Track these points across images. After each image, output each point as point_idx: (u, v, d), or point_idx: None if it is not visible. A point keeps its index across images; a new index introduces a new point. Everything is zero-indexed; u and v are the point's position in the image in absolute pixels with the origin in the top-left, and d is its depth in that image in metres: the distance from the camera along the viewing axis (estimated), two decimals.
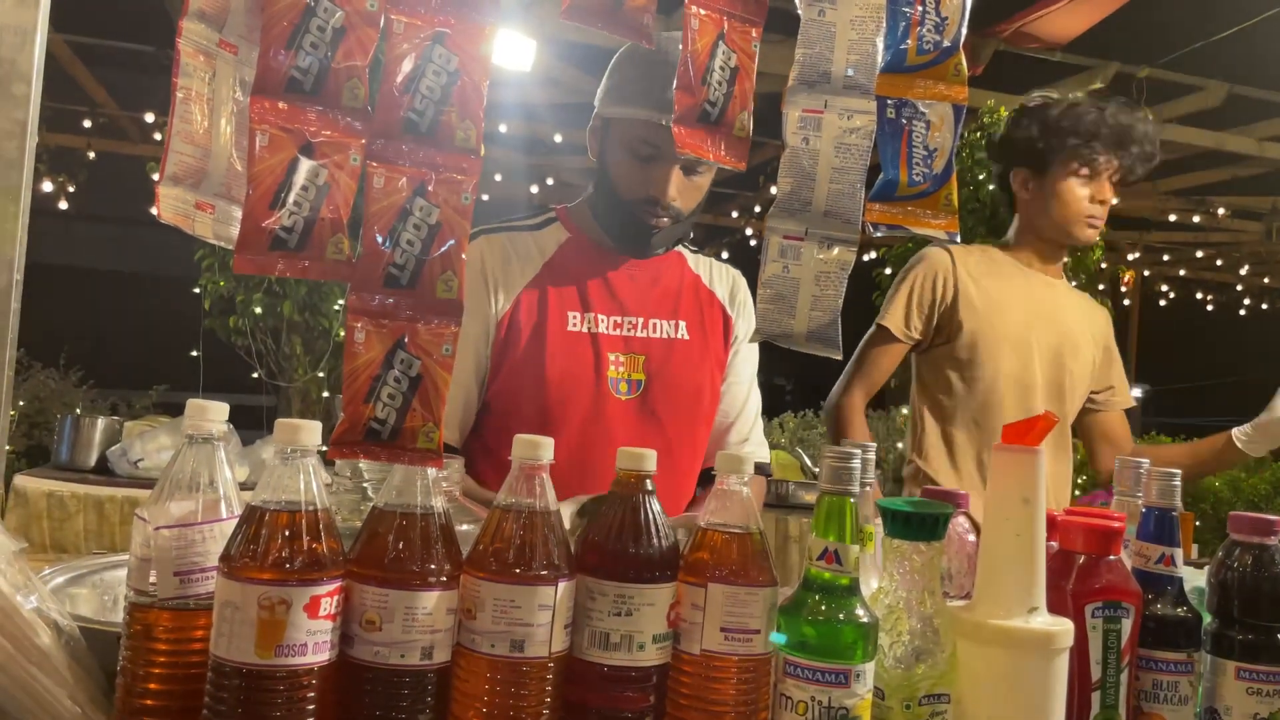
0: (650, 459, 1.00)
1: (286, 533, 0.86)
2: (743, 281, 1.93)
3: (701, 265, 1.89)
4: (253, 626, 0.84)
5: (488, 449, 1.72)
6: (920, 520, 1.06)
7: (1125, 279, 12.69)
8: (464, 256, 0.90)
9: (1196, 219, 10.17)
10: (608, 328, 1.73)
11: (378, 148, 0.88)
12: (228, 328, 4.99)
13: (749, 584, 0.98)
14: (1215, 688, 1.18)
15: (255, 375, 5.07)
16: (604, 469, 1.67)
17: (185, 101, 0.90)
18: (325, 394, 5.19)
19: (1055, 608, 1.10)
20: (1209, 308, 13.48)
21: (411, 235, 0.88)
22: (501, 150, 8.99)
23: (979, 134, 6.55)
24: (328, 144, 0.87)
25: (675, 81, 1.01)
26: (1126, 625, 1.13)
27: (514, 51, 5.07)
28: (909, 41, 1.04)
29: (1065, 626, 1.07)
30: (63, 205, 8.50)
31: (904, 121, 1.04)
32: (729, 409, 1.89)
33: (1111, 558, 1.14)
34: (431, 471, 0.93)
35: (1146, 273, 13.21)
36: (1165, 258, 12.71)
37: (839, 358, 1.09)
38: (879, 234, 1.06)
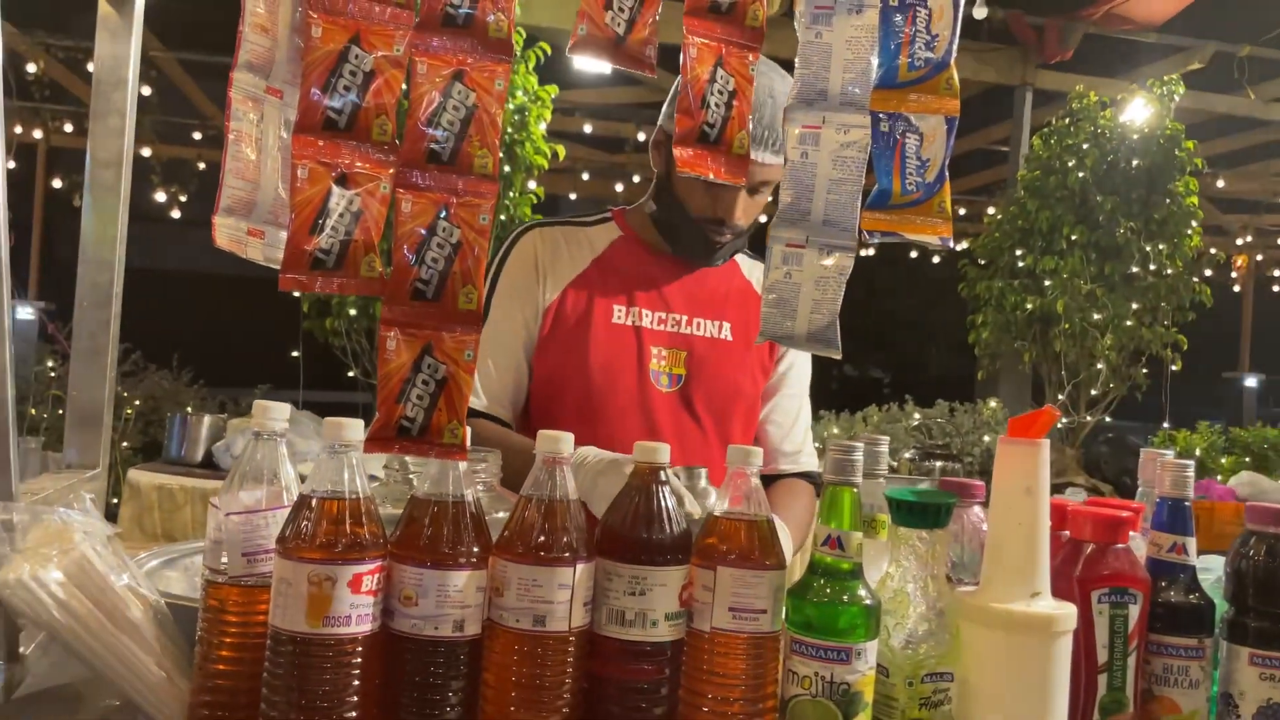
0: (663, 452, 1.09)
1: (332, 518, 0.97)
2: None
3: (756, 272, 1.95)
4: (303, 600, 0.95)
5: (533, 431, 1.84)
6: (923, 509, 1.12)
7: (1237, 263, 12.23)
8: (484, 270, 1.00)
9: None
10: (651, 322, 1.81)
11: (405, 176, 0.99)
12: (325, 329, 5.22)
13: (756, 567, 1.06)
14: (1230, 673, 1.21)
15: (351, 374, 5.31)
16: None
17: (236, 142, 1.02)
18: None
19: (1063, 594, 1.15)
20: None
21: (436, 253, 0.99)
22: (586, 150, 9.15)
23: (1067, 120, 6.43)
24: (360, 175, 0.98)
25: (676, 105, 1.09)
26: (1134, 611, 1.17)
27: None
28: (901, 59, 1.10)
29: (1067, 610, 1.12)
30: (175, 214, 8.96)
31: (897, 135, 1.10)
32: (782, 420, 1.97)
33: (1119, 546, 1.19)
34: (463, 465, 1.04)
35: (1259, 257, 12.69)
36: (1279, 241, 12.19)
37: (838, 357, 1.16)
38: (874, 240, 1.12)
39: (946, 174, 1.10)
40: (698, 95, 1.08)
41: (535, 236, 1.85)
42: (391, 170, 0.99)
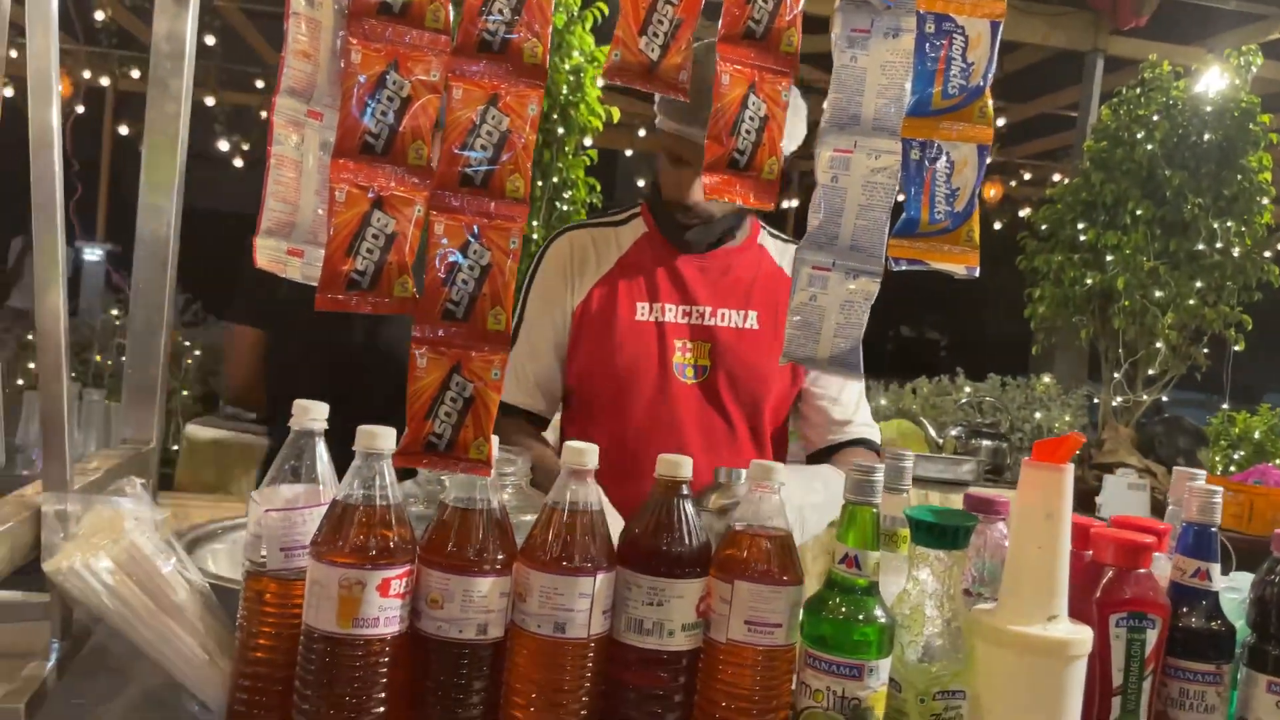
0: (685, 466, 1.11)
1: (363, 524, 1.01)
2: None
3: (787, 256, 1.97)
4: (334, 602, 1.00)
5: (573, 421, 1.91)
6: (941, 531, 1.13)
7: None
8: (514, 291, 1.03)
9: None
10: (675, 316, 1.87)
11: (439, 199, 1.01)
12: None
13: (773, 583, 1.08)
14: (1248, 699, 1.21)
15: None
16: (669, 446, 1.82)
17: (278, 166, 1.06)
18: None
19: (1081, 615, 1.16)
20: None
21: (466, 275, 1.01)
22: (642, 104, 9.09)
23: (1138, 91, 6.24)
24: (395, 198, 1.01)
25: (707, 129, 1.10)
26: (1152, 636, 1.18)
27: None
28: (935, 86, 1.09)
29: (1083, 635, 1.13)
30: (238, 163, 9.10)
31: (928, 162, 1.10)
32: (828, 387, 1.96)
33: (1140, 571, 1.19)
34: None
35: None
36: None
37: (860, 382, 1.17)
38: (899, 268, 1.12)
39: (976, 202, 1.10)
40: (729, 122, 1.08)
41: (566, 241, 1.94)
42: (426, 193, 1.01)
